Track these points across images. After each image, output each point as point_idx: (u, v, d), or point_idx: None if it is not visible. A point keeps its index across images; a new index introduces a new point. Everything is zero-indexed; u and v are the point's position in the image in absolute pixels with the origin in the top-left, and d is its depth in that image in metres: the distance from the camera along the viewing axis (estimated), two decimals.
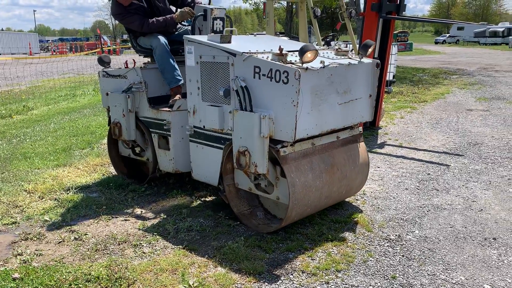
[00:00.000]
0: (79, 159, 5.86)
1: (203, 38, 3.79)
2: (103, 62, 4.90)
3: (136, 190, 4.72)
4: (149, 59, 4.92)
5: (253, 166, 3.36)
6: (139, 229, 3.80)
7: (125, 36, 71.81)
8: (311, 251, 3.35)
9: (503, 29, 46.22)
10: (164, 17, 4.58)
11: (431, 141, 6.71)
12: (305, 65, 3.18)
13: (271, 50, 3.52)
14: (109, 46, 37.49)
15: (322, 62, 3.37)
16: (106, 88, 4.82)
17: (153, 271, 3.09)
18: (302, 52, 3.13)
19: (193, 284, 2.88)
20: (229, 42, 3.62)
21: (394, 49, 11.07)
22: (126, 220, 4.00)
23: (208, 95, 3.76)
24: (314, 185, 3.48)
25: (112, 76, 4.76)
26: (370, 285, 2.90)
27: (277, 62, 3.20)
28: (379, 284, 2.92)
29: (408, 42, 36.88)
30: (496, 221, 3.86)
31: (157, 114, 4.35)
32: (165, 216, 4.07)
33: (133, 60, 4.80)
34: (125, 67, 4.73)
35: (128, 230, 3.79)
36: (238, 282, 2.95)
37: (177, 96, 4.39)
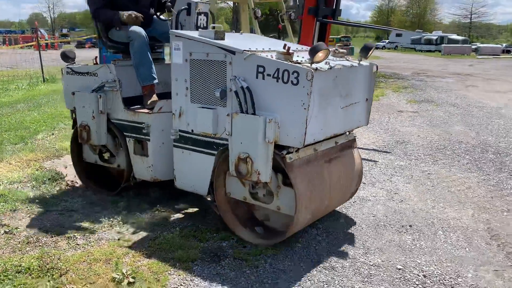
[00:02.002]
0: (11, 154, 5.68)
1: (193, 33, 3.51)
2: (67, 57, 4.42)
3: (70, 185, 4.67)
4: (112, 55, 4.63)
5: (255, 174, 3.09)
6: (73, 222, 3.79)
7: (65, 30, 68.85)
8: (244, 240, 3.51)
9: (436, 37, 49.22)
10: (114, 12, 4.16)
11: (362, 139, 7.12)
12: (314, 65, 2.98)
13: (270, 48, 3.35)
14: (47, 40, 35.88)
15: (327, 62, 3.21)
16: (71, 87, 4.35)
17: (86, 261, 3.12)
18: (314, 51, 2.93)
19: (126, 272, 2.95)
20: (223, 38, 3.36)
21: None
22: (60, 214, 3.97)
23: (199, 96, 3.46)
24: (319, 193, 3.34)
25: (79, 73, 4.30)
26: (296, 270, 3.11)
27: (284, 62, 2.99)
28: (304, 267, 3.13)
29: (351, 46, 38.22)
30: (414, 210, 4.23)
31: (134, 116, 3.96)
32: (100, 209, 4.08)
33: (104, 56, 4.54)
34: (94, 63, 4.36)
35: (62, 223, 3.77)
36: (171, 269, 3.06)
37: (154, 97, 4.08)
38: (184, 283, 2.91)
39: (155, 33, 4.41)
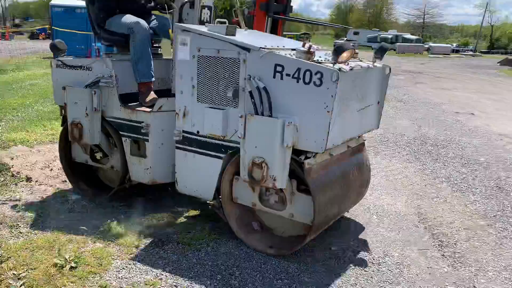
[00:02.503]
0: None
1: (202, 28, 3.32)
2: (57, 49, 4.05)
3: (15, 175, 4.63)
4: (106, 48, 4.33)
5: (271, 180, 2.93)
6: (17, 212, 3.79)
7: (17, 21, 65.99)
8: (189, 226, 3.64)
9: (391, 36, 50.87)
10: None
11: None
12: (337, 66, 2.84)
13: (284, 46, 3.22)
14: None
15: (346, 63, 3.06)
16: (62, 81, 4.00)
17: (29, 249, 3.15)
18: (339, 51, 2.84)
19: (69, 258, 3.01)
20: (234, 34, 3.15)
21: None
22: (3, 203, 3.95)
23: (207, 95, 3.25)
24: (335, 199, 3.29)
25: (71, 66, 3.98)
26: (235, 253, 3.27)
27: (306, 61, 2.83)
28: (245, 251, 3.30)
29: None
30: None
31: (132, 115, 3.70)
32: (46, 198, 4.09)
33: (97, 48, 4.27)
34: (87, 57, 4.19)
35: (5, 212, 3.76)
36: (114, 254, 3.14)
37: (152, 94, 3.84)
38: (127, 266, 3.01)
39: (155, 26, 4.18)
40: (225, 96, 3.14)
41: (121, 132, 3.82)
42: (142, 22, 3.88)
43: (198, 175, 3.42)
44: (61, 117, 4.26)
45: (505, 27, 72.80)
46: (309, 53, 2.85)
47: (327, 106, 2.76)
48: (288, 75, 2.87)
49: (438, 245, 3.57)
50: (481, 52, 51.30)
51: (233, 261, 3.15)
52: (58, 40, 4.22)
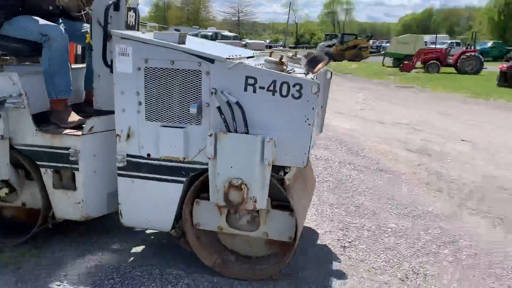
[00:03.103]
0: None
1: (143, 35, 2.90)
2: None
3: None
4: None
5: (251, 201, 2.71)
6: None
7: None
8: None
9: (211, 33, 53.01)
10: None
11: None
12: (309, 76, 2.71)
13: (240, 55, 2.96)
14: None
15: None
16: None
17: None
18: (315, 61, 2.76)
19: None
20: (184, 42, 2.83)
21: None
22: None
23: (159, 112, 2.84)
24: (304, 210, 3.24)
25: None
26: (61, 263, 3.15)
27: (282, 73, 2.65)
28: (71, 259, 3.18)
29: None
30: None
31: (54, 140, 3.06)
32: None
33: None
34: None
35: None
36: None
37: (74, 114, 3.27)
38: None
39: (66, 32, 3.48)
40: (184, 112, 2.80)
41: (38, 162, 3.15)
42: (59, 27, 3.27)
43: (151, 204, 2.99)
44: None
45: (307, 25, 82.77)
46: (282, 64, 2.72)
47: (308, 119, 2.64)
48: (262, 88, 2.67)
49: None
50: (290, 47, 57.45)
51: (58, 271, 3.01)
52: None
